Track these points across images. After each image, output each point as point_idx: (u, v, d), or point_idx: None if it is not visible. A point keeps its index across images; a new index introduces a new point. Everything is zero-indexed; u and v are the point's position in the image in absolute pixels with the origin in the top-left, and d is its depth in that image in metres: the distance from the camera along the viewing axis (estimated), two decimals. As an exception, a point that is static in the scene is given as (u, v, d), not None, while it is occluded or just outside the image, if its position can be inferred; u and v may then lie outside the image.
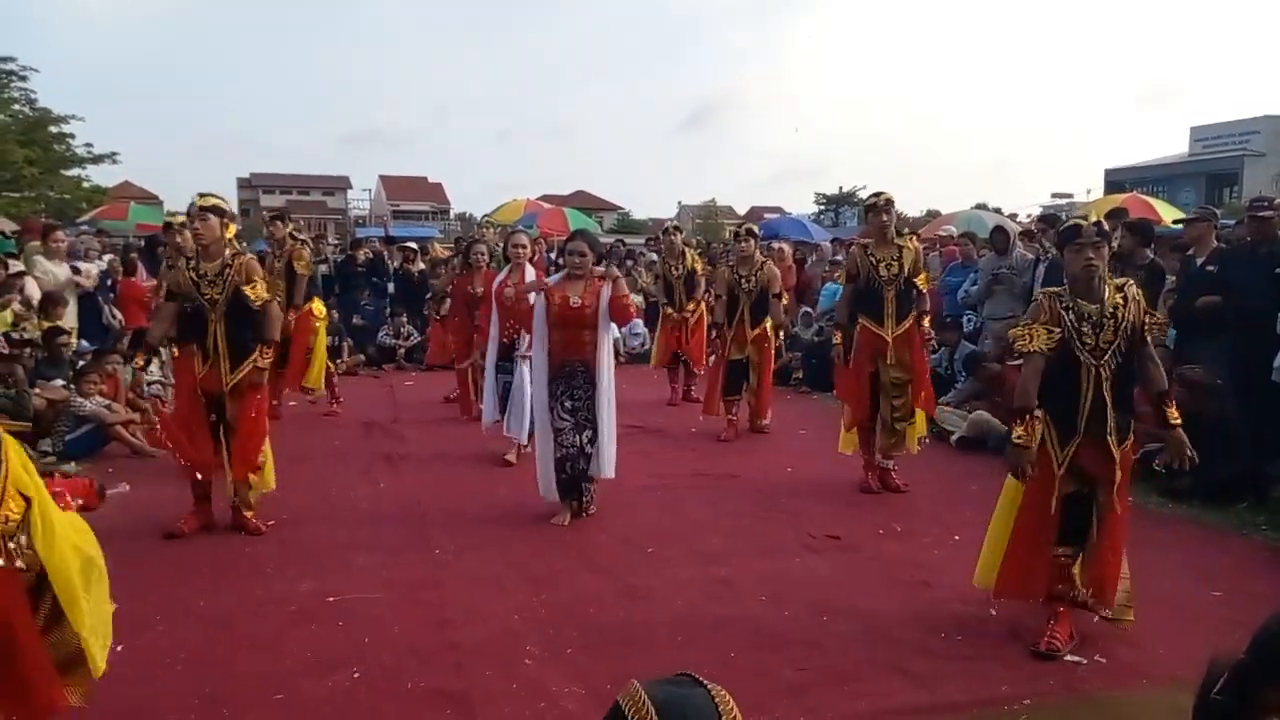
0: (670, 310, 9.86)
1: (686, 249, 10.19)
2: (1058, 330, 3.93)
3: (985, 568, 4.27)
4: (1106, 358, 3.94)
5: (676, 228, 10.90)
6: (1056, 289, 4.12)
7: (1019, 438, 3.93)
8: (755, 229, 9.00)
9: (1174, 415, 4.10)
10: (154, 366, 9.03)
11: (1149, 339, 4.08)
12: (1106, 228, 4.12)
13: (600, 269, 5.83)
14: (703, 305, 9.77)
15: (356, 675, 3.70)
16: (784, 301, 9.26)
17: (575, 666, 3.80)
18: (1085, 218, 4.17)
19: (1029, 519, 4.09)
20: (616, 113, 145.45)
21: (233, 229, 5.42)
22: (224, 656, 3.84)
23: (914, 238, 6.71)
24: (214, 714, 3.39)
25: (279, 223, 8.90)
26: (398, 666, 3.78)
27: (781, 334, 9.73)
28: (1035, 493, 4.04)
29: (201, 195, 5.39)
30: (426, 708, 3.47)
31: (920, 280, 6.54)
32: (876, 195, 6.52)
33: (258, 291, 5.30)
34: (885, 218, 6.45)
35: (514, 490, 6.22)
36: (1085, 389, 3.93)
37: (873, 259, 6.37)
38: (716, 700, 1.29)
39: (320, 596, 4.49)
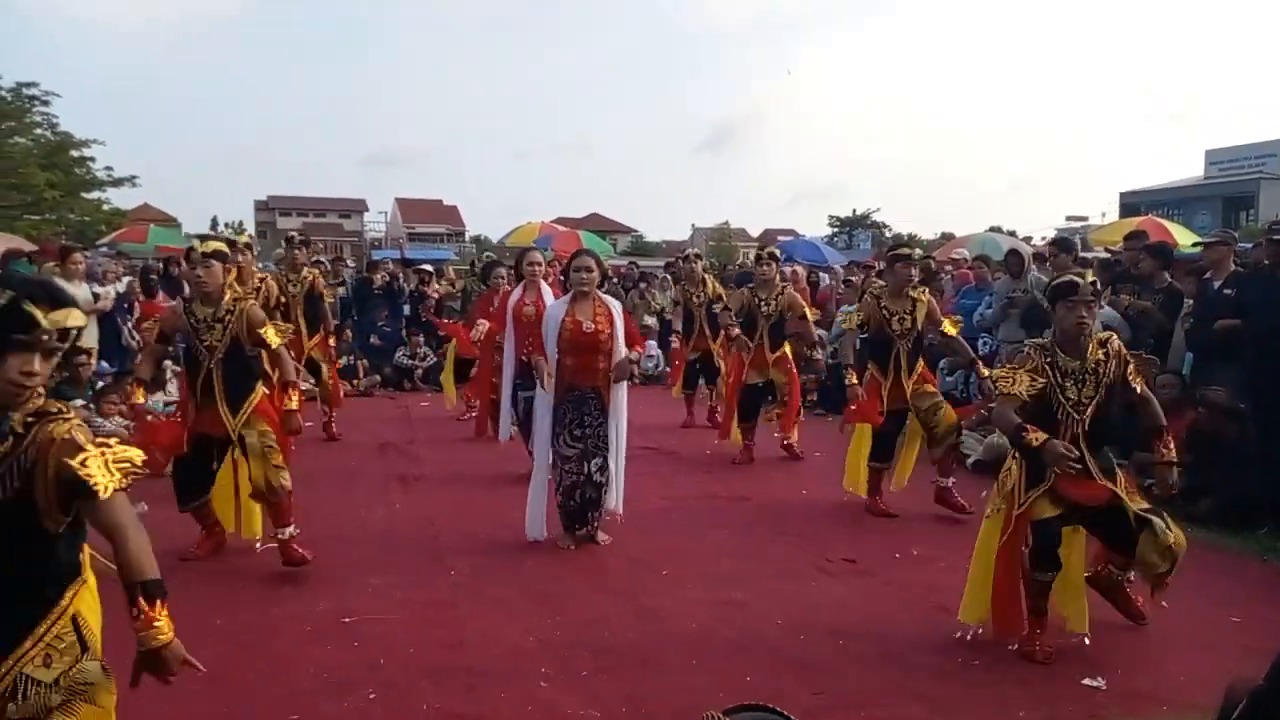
0: (682, 339, 9.84)
1: (707, 276, 10.12)
2: (1041, 380, 4.11)
3: (972, 604, 4.33)
4: (1088, 411, 4.11)
5: (697, 255, 10.81)
6: (1044, 342, 4.27)
7: (1035, 441, 4.00)
8: (776, 252, 8.96)
9: (1169, 453, 4.33)
10: (171, 386, 9.15)
11: (1140, 383, 4.28)
12: (1098, 286, 4.28)
13: (609, 297, 5.81)
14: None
15: (372, 696, 3.71)
16: (811, 319, 9.23)
17: (590, 688, 3.79)
18: (1083, 276, 4.26)
19: (1006, 561, 4.19)
20: (633, 135, 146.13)
21: (234, 272, 5.42)
22: (240, 676, 3.85)
23: (925, 290, 6.65)
24: (230, 734, 3.40)
25: (304, 248, 8.91)
26: (412, 687, 3.78)
27: (815, 351, 9.72)
28: (1006, 535, 4.18)
29: (202, 239, 5.32)
30: (441, 729, 3.47)
31: (947, 326, 6.52)
32: (907, 246, 6.47)
33: (270, 335, 5.18)
34: (912, 271, 6.40)
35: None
36: (1062, 438, 4.06)
37: (885, 311, 6.31)
38: None
39: (335, 617, 4.50)
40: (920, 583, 5.11)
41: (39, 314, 2.11)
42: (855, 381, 6.44)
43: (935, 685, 3.85)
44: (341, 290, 13.74)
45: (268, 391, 5.41)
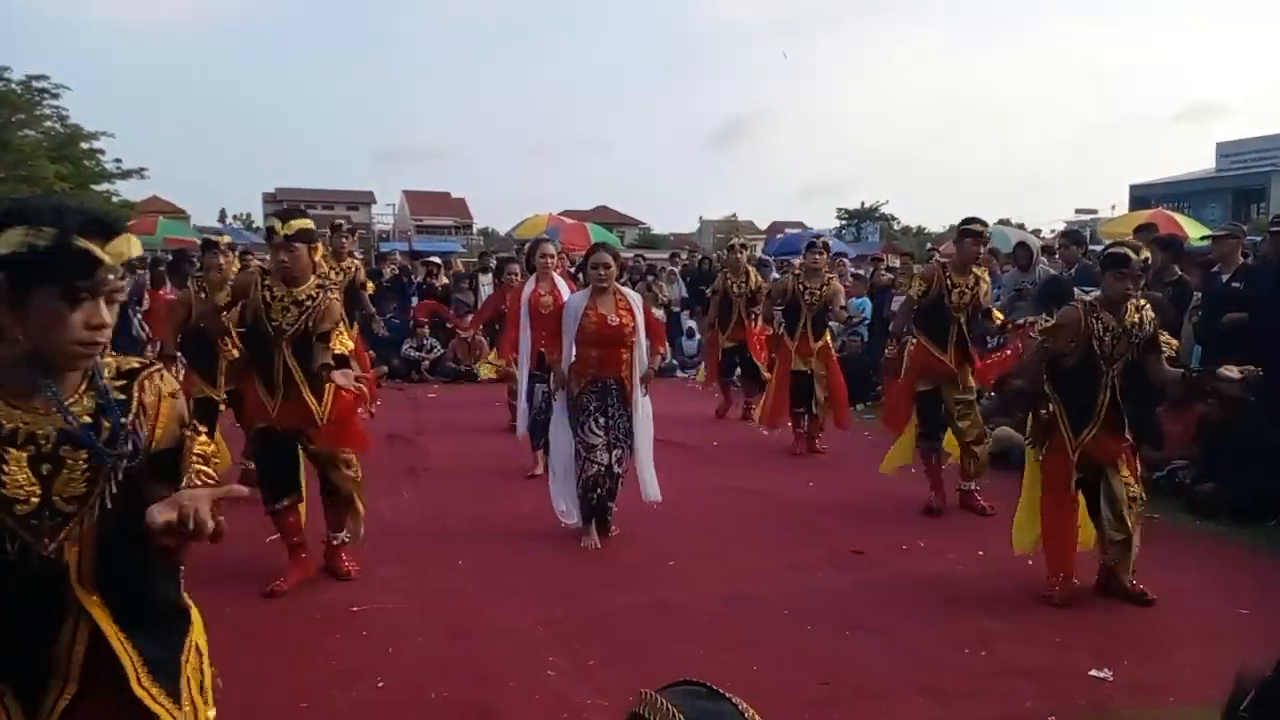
0: (717, 328, 9.87)
1: (750, 267, 10.15)
2: (1076, 341, 4.57)
3: (1020, 533, 4.94)
4: (1118, 365, 4.59)
5: (743, 245, 10.82)
6: (1093, 299, 4.68)
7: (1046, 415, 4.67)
8: (828, 242, 9.06)
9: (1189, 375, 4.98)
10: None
11: (1166, 343, 4.71)
12: (1150, 261, 4.81)
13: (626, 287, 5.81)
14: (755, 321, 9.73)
15: (381, 685, 3.73)
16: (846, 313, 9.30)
17: (598, 679, 3.81)
18: (1137, 250, 4.67)
19: (1052, 502, 4.71)
20: (644, 129, 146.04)
21: (320, 251, 5.04)
22: (250, 663, 3.86)
23: (985, 270, 6.51)
24: (241, 721, 3.42)
25: (350, 236, 8.59)
26: (421, 677, 3.80)
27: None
28: (1054, 477, 4.70)
29: (283, 221, 4.64)
30: (450, 718, 3.49)
31: (997, 315, 6.57)
32: (977, 221, 6.28)
33: (343, 341, 4.93)
34: (979, 248, 6.27)
35: (537, 502, 6.22)
36: (1103, 386, 4.59)
37: (949, 281, 6.16)
38: (747, 717, 1.20)
39: (345, 606, 4.53)
40: (928, 575, 5.12)
41: (97, 249, 1.67)
42: (892, 355, 6.67)
43: (942, 676, 3.85)
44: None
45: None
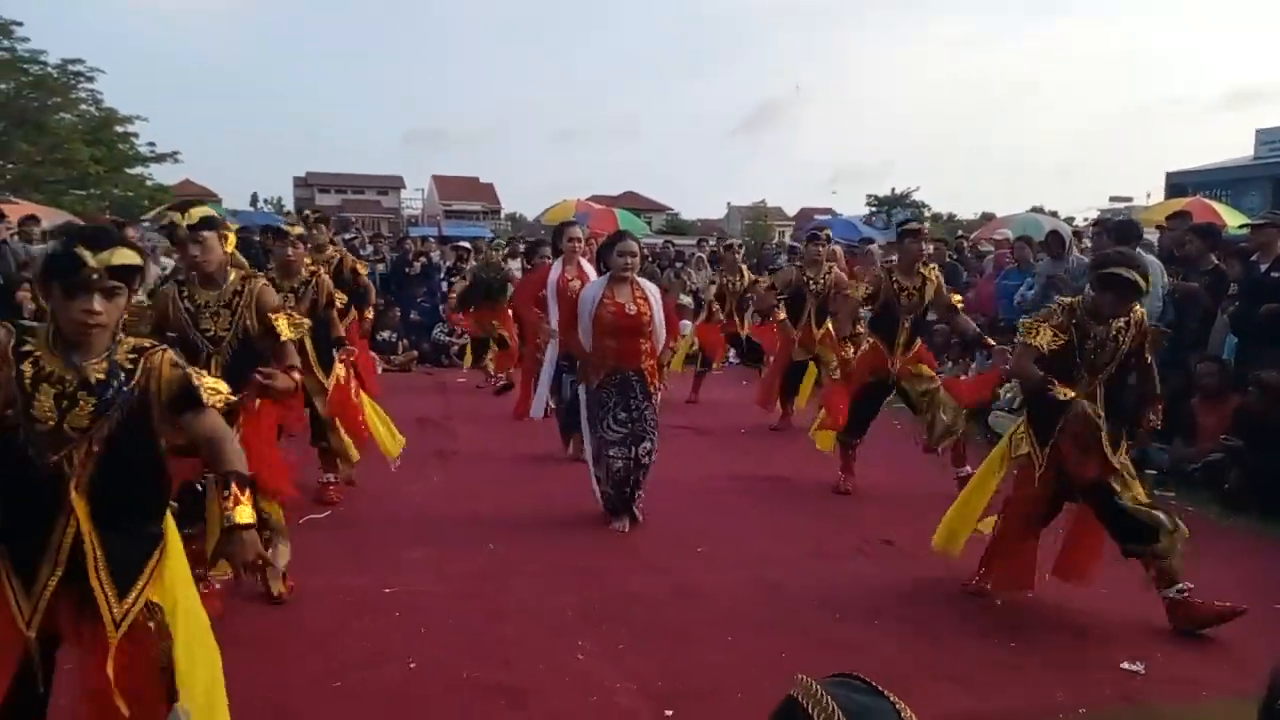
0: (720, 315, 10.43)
1: (744, 266, 10.84)
2: (1063, 337, 4.25)
3: (947, 533, 4.73)
4: (1101, 375, 4.28)
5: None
6: (1073, 301, 4.38)
7: (1063, 395, 4.11)
8: (829, 232, 9.39)
9: (1155, 420, 4.59)
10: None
11: (1149, 353, 4.45)
12: (1142, 285, 4.19)
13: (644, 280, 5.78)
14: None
15: (412, 666, 3.78)
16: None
17: (626, 662, 3.84)
18: (1126, 268, 4.16)
19: (1015, 515, 4.48)
20: (675, 115, 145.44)
21: (232, 240, 4.30)
22: (282, 645, 3.93)
23: (934, 268, 6.75)
24: (273, 701, 3.47)
25: (322, 226, 7.94)
26: (452, 658, 3.84)
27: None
28: (1021, 491, 4.46)
29: (182, 212, 4.17)
30: (480, 699, 3.53)
31: (955, 299, 6.61)
32: (915, 222, 6.80)
33: (281, 326, 4.12)
34: (921, 246, 6.55)
35: (566, 487, 6.27)
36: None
37: (896, 285, 6.38)
38: (904, 717, 1.18)
39: (377, 588, 4.58)
40: (959, 566, 5.08)
41: (87, 254, 2.25)
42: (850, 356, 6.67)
43: (970, 667, 3.84)
44: (381, 267, 13.83)
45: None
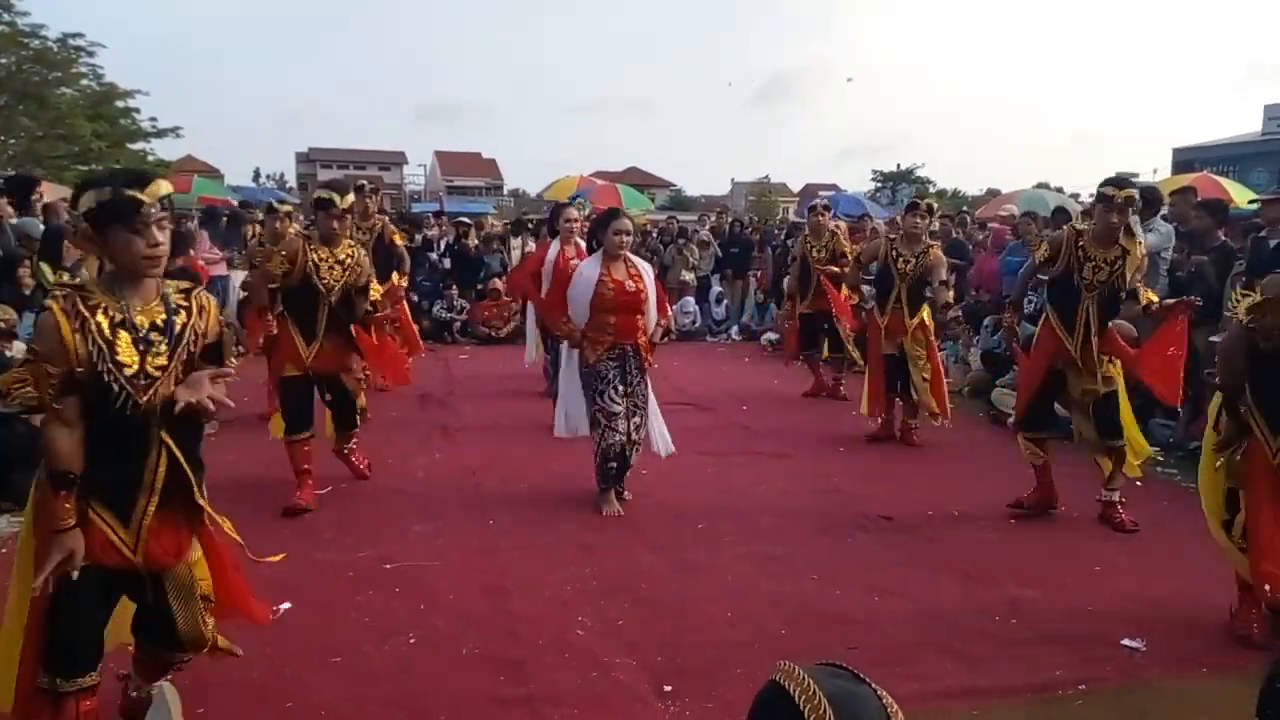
0: (796, 298, 9.11)
1: (837, 232, 9.16)
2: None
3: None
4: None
5: (826, 206, 9.54)
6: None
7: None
8: (933, 204, 7.95)
9: (1148, 300, 5.13)
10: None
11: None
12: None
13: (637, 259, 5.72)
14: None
15: (413, 640, 3.78)
16: (947, 291, 7.44)
17: (626, 637, 3.84)
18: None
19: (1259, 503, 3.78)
20: (682, 91, 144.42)
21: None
22: (284, 618, 3.94)
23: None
24: (275, 673, 3.49)
25: (375, 195, 8.45)
26: (453, 633, 3.85)
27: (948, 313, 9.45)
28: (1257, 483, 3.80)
29: (341, 195, 5.38)
30: (481, 673, 3.53)
31: (1148, 295, 5.43)
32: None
33: (374, 294, 5.52)
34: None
35: (568, 463, 6.26)
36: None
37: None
38: (887, 706, 1.16)
39: (378, 563, 4.59)
40: (958, 541, 5.09)
41: (139, 194, 2.45)
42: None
43: (971, 643, 3.84)
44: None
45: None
